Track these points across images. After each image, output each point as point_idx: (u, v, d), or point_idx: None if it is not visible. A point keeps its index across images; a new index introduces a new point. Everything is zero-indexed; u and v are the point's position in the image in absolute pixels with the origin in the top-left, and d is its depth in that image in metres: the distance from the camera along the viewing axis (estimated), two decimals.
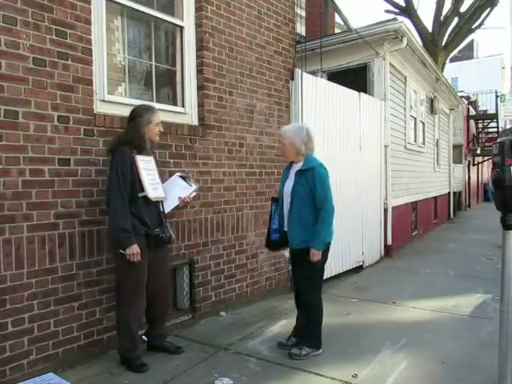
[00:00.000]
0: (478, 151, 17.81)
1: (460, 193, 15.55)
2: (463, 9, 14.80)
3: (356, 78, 6.98)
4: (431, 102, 10.59)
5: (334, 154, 5.36)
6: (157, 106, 3.29)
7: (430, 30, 14.74)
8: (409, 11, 14.55)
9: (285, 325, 3.79)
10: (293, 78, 5.01)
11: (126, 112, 3.26)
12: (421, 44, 8.41)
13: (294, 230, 3.20)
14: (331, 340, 3.40)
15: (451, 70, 30.00)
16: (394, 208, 7.21)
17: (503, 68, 38.30)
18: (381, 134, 6.78)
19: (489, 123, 18.39)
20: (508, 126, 23.70)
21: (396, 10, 14.87)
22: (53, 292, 2.86)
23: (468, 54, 38.13)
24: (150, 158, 3.04)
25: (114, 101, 3.32)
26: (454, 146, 14.30)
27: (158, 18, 3.74)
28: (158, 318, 3.20)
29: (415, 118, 9.00)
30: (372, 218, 6.51)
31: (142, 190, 2.88)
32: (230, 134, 4.25)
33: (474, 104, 19.27)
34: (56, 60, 2.87)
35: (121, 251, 2.81)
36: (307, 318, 3.26)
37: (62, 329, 2.92)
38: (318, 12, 8.71)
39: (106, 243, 3.15)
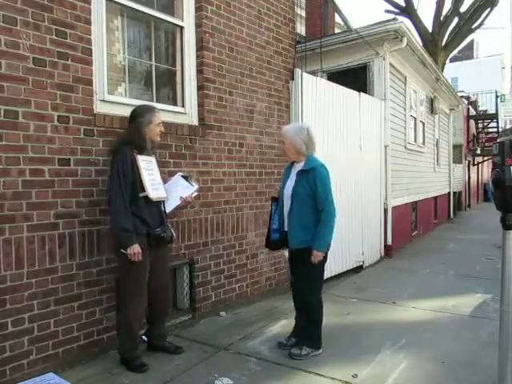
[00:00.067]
0: (478, 151, 17.81)
1: (460, 193, 15.55)
2: (463, 9, 14.82)
3: (356, 78, 6.99)
4: (431, 102, 10.59)
5: (333, 153, 5.36)
6: (157, 106, 3.29)
7: (430, 29, 14.74)
8: (409, 11, 14.55)
9: (285, 325, 3.79)
10: (293, 78, 5.01)
11: (126, 112, 3.27)
12: (421, 44, 8.41)
13: (294, 230, 3.20)
14: (331, 340, 3.40)
15: (451, 70, 30.00)
16: (393, 208, 7.21)
17: (503, 68, 38.30)
18: (381, 134, 6.78)
19: (489, 123, 18.39)
20: (508, 126, 23.71)
21: (396, 10, 14.87)
22: (53, 292, 2.86)
23: (468, 53, 38.14)
24: (151, 158, 3.04)
25: (114, 101, 3.32)
26: (454, 146, 14.30)
27: (158, 17, 3.74)
28: (158, 317, 3.20)
29: (415, 118, 9.00)
30: (372, 218, 6.51)
31: (143, 190, 2.89)
32: (229, 134, 4.25)
33: (474, 104, 19.27)
34: (56, 60, 2.87)
35: (122, 251, 2.81)
36: (307, 318, 3.25)
37: (62, 329, 2.92)
38: (318, 12, 8.71)
39: (105, 243, 3.15)
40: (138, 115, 2.97)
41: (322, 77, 6.39)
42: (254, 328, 3.76)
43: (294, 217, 3.19)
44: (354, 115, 5.96)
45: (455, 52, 18.85)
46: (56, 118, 2.88)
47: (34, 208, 2.76)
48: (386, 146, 6.91)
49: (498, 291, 2.60)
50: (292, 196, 3.20)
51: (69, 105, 2.94)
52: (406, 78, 8.19)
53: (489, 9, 14.80)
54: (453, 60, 31.33)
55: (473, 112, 18.06)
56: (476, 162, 19.37)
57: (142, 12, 3.60)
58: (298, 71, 5.01)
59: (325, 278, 3.98)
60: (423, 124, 9.81)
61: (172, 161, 3.66)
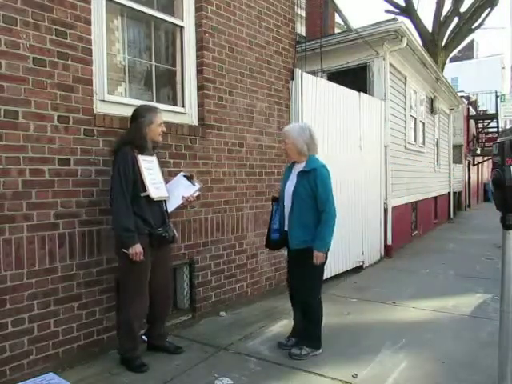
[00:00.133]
0: (478, 151, 17.81)
1: (460, 193, 15.55)
2: (463, 9, 14.82)
3: (356, 78, 6.98)
4: (431, 102, 10.59)
5: (334, 154, 5.36)
6: (157, 106, 3.29)
7: (430, 29, 14.74)
8: (409, 11, 14.55)
9: (285, 325, 3.79)
10: (293, 78, 5.01)
11: (126, 112, 3.27)
12: (421, 44, 8.41)
13: (295, 231, 3.20)
14: (331, 340, 3.40)
15: (451, 70, 30.00)
16: (394, 208, 7.21)
17: (503, 68, 38.30)
18: (381, 134, 6.78)
19: (489, 123, 18.39)
20: (508, 126, 23.70)
21: (396, 10, 14.87)
22: (53, 292, 2.86)
23: (468, 53, 38.13)
24: (153, 158, 3.05)
25: (114, 101, 3.32)
26: (454, 146, 14.30)
27: (158, 17, 3.74)
28: (159, 317, 3.20)
29: (415, 118, 9.00)
30: (372, 218, 6.51)
31: (145, 189, 2.89)
32: (230, 134, 4.25)
33: (474, 104, 19.27)
34: (56, 60, 2.87)
35: (124, 250, 2.82)
36: (307, 318, 3.25)
37: (62, 329, 2.92)
38: (318, 12, 8.71)
39: (106, 243, 3.15)
40: (140, 115, 2.97)
41: (321, 77, 6.39)
42: (253, 328, 3.76)
43: (295, 217, 3.19)
44: (354, 115, 5.95)
45: (455, 52, 18.85)
46: (56, 118, 2.88)
47: (34, 208, 2.76)
48: (385, 146, 6.91)
49: (498, 291, 2.60)
50: (293, 196, 3.20)
51: (69, 105, 2.94)
52: (405, 78, 8.19)
53: (489, 9, 14.81)
54: (453, 60, 31.33)
55: (473, 112, 18.06)
56: (476, 162, 19.36)
57: (142, 12, 3.60)
58: (297, 71, 5.01)
59: (325, 277, 3.98)
60: (423, 124, 9.81)
61: (172, 161, 3.66)
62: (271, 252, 4.60)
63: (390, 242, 6.98)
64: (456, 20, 14.89)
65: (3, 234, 2.61)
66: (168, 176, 3.37)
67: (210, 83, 4.02)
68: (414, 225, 9.14)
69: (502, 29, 27.96)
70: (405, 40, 6.74)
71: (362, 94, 6.17)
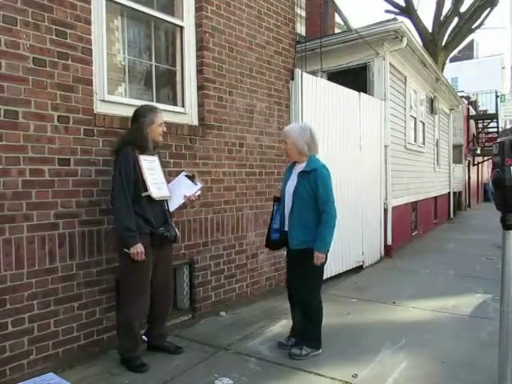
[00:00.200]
0: (478, 151, 17.80)
1: (460, 193, 15.55)
2: (463, 9, 14.82)
3: (356, 78, 6.98)
4: (431, 102, 10.59)
5: (334, 154, 5.36)
6: (157, 106, 3.29)
7: (430, 29, 14.74)
8: (409, 11, 14.55)
9: (285, 325, 3.79)
10: (293, 78, 5.01)
11: (126, 112, 3.28)
12: (421, 44, 8.41)
13: (295, 231, 3.19)
14: (331, 340, 3.40)
15: (451, 70, 30.00)
16: (394, 208, 7.21)
17: (503, 68, 38.30)
18: (381, 134, 6.78)
19: (489, 123, 18.39)
20: (508, 126, 23.70)
21: (396, 10, 14.87)
22: (53, 292, 2.86)
23: (468, 53, 38.13)
24: (154, 158, 3.05)
25: (114, 101, 3.32)
26: (454, 146, 14.30)
27: (158, 17, 3.74)
28: (159, 317, 3.20)
29: (415, 118, 9.00)
30: (372, 218, 6.51)
31: (146, 189, 2.89)
32: (230, 134, 4.25)
33: (474, 104, 19.27)
34: (56, 60, 2.87)
35: (125, 250, 2.82)
36: (307, 318, 3.25)
37: (62, 329, 2.92)
38: (318, 12, 8.71)
39: (106, 243, 3.15)
40: (141, 115, 2.98)
41: (321, 77, 6.39)
42: (253, 328, 3.76)
43: (295, 217, 3.19)
44: (354, 115, 5.95)
45: (455, 52, 18.85)
46: (56, 118, 2.88)
47: (34, 208, 2.76)
48: (385, 146, 6.91)
49: (498, 291, 2.60)
50: (293, 196, 3.20)
51: (69, 105, 2.94)
52: (406, 78, 8.19)
53: (489, 9, 14.80)
54: (453, 60, 31.33)
55: (473, 112, 18.06)
56: (476, 162, 19.36)
57: (142, 12, 3.60)
58: (297, 71, 5.01)
59: (325, 278, 3.99)
60: (423, 124, 9.81)
61: (172, 161, 3.66)
62: (271, 252, 4.60)
63: (390, 242, 6.98)
64: (456, 20, 14.89)
65: (3, 234, 2.61)
66: (168, 176, 3.37)
67: (210, 83, 4.02)
68: (413, 225, 9.14)
69: (502, 29, 28.01)
70: (405, 40, 6.75)
71: (361, 94, 6.17)
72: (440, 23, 14.65)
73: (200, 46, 3.97)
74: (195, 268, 3.92)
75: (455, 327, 3.85)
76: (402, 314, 4.22)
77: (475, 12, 14.63)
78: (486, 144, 18.10)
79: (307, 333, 3.23)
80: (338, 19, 9.49)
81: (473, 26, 15.07)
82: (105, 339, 3.18)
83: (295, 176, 3.25)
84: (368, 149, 6.31)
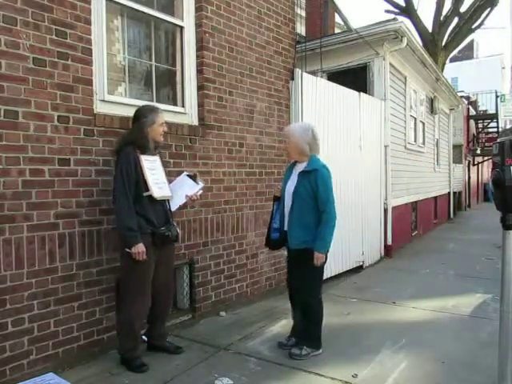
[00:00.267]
0: (478, 151, 17.81)
1: (460, 193, 15.55)
2: (463, 9, 14.82)
3: (356, 78, 6.98)
4: (431, 102, 10.59)
5: (334, 154, 5.36)
6: (157, 106, 3.29)
7: (430, 29, 14.74)
8: (409, 11, 14.55)
9: (285, 325, 3.79)
10: (293, 78, 5.01)
11: (126, 112, 3.28)
12: (421, 44, 8.41)
13: (295, 231, 3.19)
14: (331, 340, 3.40)
15: (451, 70, 30.00)
16: (394, 208, 7.21)
17: (503, 68, 38.29)
18: (381, 134, 6.78)
19: (489, 123, 18.39)
20: (508, 126, 23.70)
21: (396, 10, 14.87)
22: (53, 292, 2.86)
23: (468, 53, 38.13)
24: (156, 158, 3.06)
25: (114, 101, 3.32)
26: (454, 146, 14.30)
27: (158, 17, 3.74)
28: (159, 317, 3.20)
29: (415, 118, 9.00)
30: (372, 218, 6.51)
31: (147, 189, 2.90)
32: (229, 134, 4.25)
33: (474, 104, 19.27)
34: (56, 60, 2.87)
35: (126, 250, 2.83)
36: (307, 318, 3.25)
37: (62, 329, 2.92)
38: (318, 12, 8.71)
39: (107, 243, 3.15)
40: (142, 115, 2.98)
41: (321, 77, 6.39)
42: (254, 328, 3.76)
43: (295, 217, 3.19)
44: (353, 115, 5.95)
45: (455, 52, 18.85)
46: (56, 118, 2.88)
47: (34, 208, 2.76)
48: (385, 146, 6.91)
49: (498, 291, 2.60)
50: (293, 196, 3.20)
51: (69, 105, 2.94)
52: (406, 78, 8.19)
53: (489, 9, 14.81)
54: (453, 60, 31.33)
55: (473, 112, 18.06)
56: (476, 162, 19.36)
57: (142, 12, 3.60)
58: (298, 71, 5.01)
59: (325, 277, 3.98)
60: (423, 124, 9.81)
61: (172, 161, 3.66)
62: (271, 252, 4.60)
63: (390, 242, 6.98)
64: (456, 20, 14.89)
65: (3, 234, 2.61)
66: (168, 176, 3.37)
67: (210, 83, 4.02)
68: (413, 225, 9.14)
69: (502, 29, 28.00)
70: (405, 40, 6.74)
71: (362, 94, 6.17)
72: (440, 23, 14.65)
73: (200, 46, 3.97)
74: (195, 268, 3.92)
75: (455, 327, 3.85)
76: (401, 313, 4.22)
77: (475, 12, 14.63)
78: (486, 144, 18.10)
79: (307, 333, 3.23)
80: (338, 19, 9.49)
81: (473, 26, 15.07)
82: (105, 339, 3.17)
83: (295, 176, 3.25)
84: (368, 149, 6.31)
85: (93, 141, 3.09)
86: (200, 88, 3.98)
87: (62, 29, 2.90)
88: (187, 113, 3.94)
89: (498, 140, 2.32)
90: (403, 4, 14.72)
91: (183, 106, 3.94)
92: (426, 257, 7.15)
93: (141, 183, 2.88)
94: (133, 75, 3.74)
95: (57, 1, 2.87)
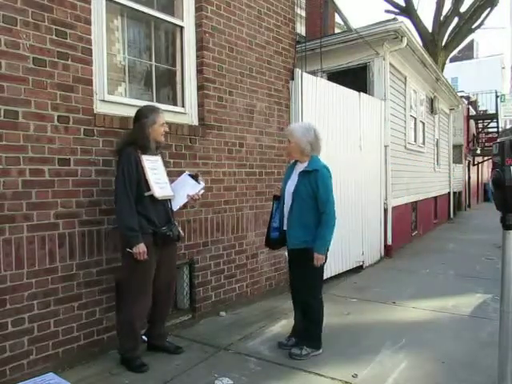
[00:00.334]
0: (478, 151, 17.81)
1: (460, 193, 15.55)
2: (463, 9, 14.82)
3: (356, 78, 6.98)
4: (431, 102, 10.59)
5: (334, 154, 5.36)
6: (157, 106, 3.29)
7: (430, 29, 14.74)
8: (409, 11, 14.55)
9: (285, 325, 3.79)
10: (293, 78, 5.01)
11: (126, 112, 3.28)
12: (421, 44, 8.41)
13: (294, 230, 3.19)
14: (331, 340, 3.40)
15: (451, 70, 30.00)
16: (394, 208, 7.21)
17: (503, 68, 38.30)
18: (381, 134, 6.78)
19: (489, 123, 18.39)
20: (508, 126, 23.70)
21: (396, 10, 14.87)
22: (53, 292, 2.86)
23: (468, 53, 38.13)
24: (157, 158, 3.06)
25: (114, 101, 3.32)
26: (454, 146, 14.30)
27: (158, 17, 3.74)
28: (160, 317, 3.20)
29: (415, 118, 9.00)
30: (372, 218, 6.51)
31: (149, 189, 2.90)
32: (230, 134, 4.25)
33: (474, 104, 19.27)
34: (56, 60, 2.87)
35: (128, 250, 2.83)
36: (308, 318, 3.25)
37: (62, 329, 2.92)
38: (318, 12, 8.71)
39: (107, 243, 3.15)
40: (143, 116, 2.99)
41: (322, 77, 6.39)
42: (254, 328, 3.76)
43: (294, 217, 3.19)
44: (353, 115, 5.95)
45: (455, 52, 18.85)
46: (56, 118, 2.88)
47: (34, 208, 2.76)
48: (386, 146, 6.91)
49: (498, 291, 2.60)
50: (293, 196, 3.20)
51: (69, 105, 2.94)
52: (406, 78, 8.19)
53: (489, 9, 14.81)
54: (453, 60, 31.33)
55: (473, 112, 18.06)
56: (476, 162, 19.36)
57: (142, 12, 3.60)
58: (298, 71, 5.01)
59: (325, 278, 3.98)
60: (423, 124, 9.81)
61: (172, 161, 3.66)
62: (271, 252, 4.60)
63: (390, 242, 6.98)
64: (456, 20, 14.89)
65: (3, 234, 2.61)
66: (168, 176, 3.37)
67: (210, 83, 4.02)
68: (414, 225, 9.14)
69: (502, 29, 28.00)
70: (405, 40, 6.74)
71: (361, 94, 6.17)
72: (440, 23, 14.65)
73: (200, 46, 3.97)
74: (195, 268, 3.92)
75: (455, 327, 3.85)
76: (401, 313, 4.22)
77: (475, 12, 14.63)
78: (486, 144, 18.10)
79: (307, 332, 3.23)
80: (338, 19, 9.49)
81: (473, 26, 15.07)
82: (105, 339, 3.17)
83: (296, 175, 3.25)
84: (368, 149, 6.31)
85: (93, 141, 3.09)
86: (200, 88, 3.98)
87: (62, 29, 2.90)
88: (187, 113, 3.94)
89: (498, 140, 2.32)
90: (403, 4, 14.73)
91: (183, 106, 3.94)
92: (426, 257, 7.15)
93: (142, 183, 2.89)
94: (133, 75, 3.74)
95: (57, 1, 2.87)
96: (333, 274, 5.37)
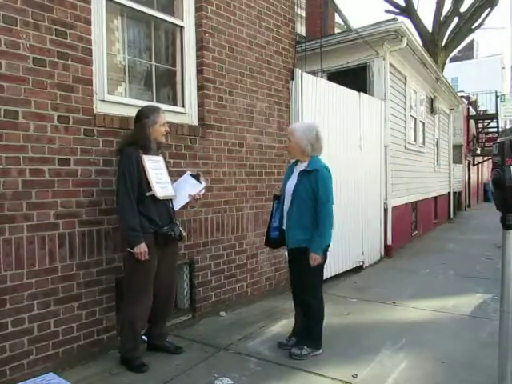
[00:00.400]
0: (478, 151, 17.81)
1: (460, 193, 15.55)
2: (463, 9, 14.82)
3: (356, 78, 6.98)
4: (431, 102, 10.59)
5: (334, 153, 5.36)
6: (158, 106, 3.29)
7: (430, 29, 14.74)
8: (409, 11, 14.55)
9: (285, 325, 3.79)
10: (293, 78, 5.01)
11: (126, 112, 3.28)
12: (421, 44, 8.41)
13: (293, 230, 3.19)
14: (331, 340, 3.40)
15: (451, 70, 30.00)
16: (394, 208, 7.21)
17: (503, 68, 38.30)
18: (381, 134, 6.78)
19: (489, 123, 18.39)
20: (508, 126, 23.70)
21: (396, 10, 14.87)
22: (53, 292, 2.86)
23: (468, 53, 38.14)
24: (159, 158, 3.07)
25: (114, 101, 3.32)
26: (454, 146, 14.30)
27: (158, 17, 3.74)
28: (161, 316, 3.20)
29: (415, 118, 9.00)
30: (372, 218, 6.51)
31: (150, 189, 2.91)
32: (230, 134, 4.25)
33: (474, 104, 19.27)
34: (56, 60, 2.87)
35: (129, 249, 2.83)
36: (308, 317, 3.25)
37: (62, 329, 2.92)
38: (318, 12, 8.71)
39: (106, 243, 3.15)
40: (143, 116, 2.99)
41: (322, 77, 6.39)
42: (254, 328, 3.76)
43: (294, 216, 3.19)
44: (353, 115, 5.95)
45: (455, 52, 18.85)
46: (56, 118, 2.88)
47: (34, 208, 2.76)
48: (386, 146, 6.91)
49: (498, 291, 2.60)
50: (292, 195, 3.20)
51: (69, 105, 2.94)
52: (406, 78, 8.19)
53: (489, 9, 14.81)
54: (453, 60, 31.33)
55: (473, 112, 18.06)
56: (476, 162, 19.37)
57: (142, 12, 3.60)
58: (298, 71, 5.01)
59: (325, 278, 3.98)
60: (423, 124, 9.81)
61: (172, 161, 3.66)
62: (271, 252, 4.60)
63: (390, 242, 6.98)
64: (456, 20, 14.89)
65: (3, 234, 2.61)
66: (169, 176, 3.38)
67: (210, 83, 4.02)
68: (414, 225, 9.14)
69: (502, 29, 27.98)
70: (405, 40, 6.74)
71: (361, 94, 6.17)
72: (440, 23, 14.65)
73: (200, 46, 3.97)
74: (195, 268, 3.92)
75: (455, 327, 3.85)
76: (402, 313, 4.22)
77: (475, 12, 14.63)
78: (486, 144, 18.10)
79: (308, 332, 3.23)
80: (338, 19, 9.49)
81: (473, 26, 15.07)
82: (105, 339, 3.17)
83: (296, 175, 3.25)
84: (368, 149, 6.31)
85: (93, 141, 3.09)
86: (200, 88, 3.98)
87: (62, 29, 2.90)
88: (187, 113, 3.94)
89: (498, 140, 2.31)
90: (403, 4, 14.73)
91: (183, 106, 3.94)
92: (425, 257, 7.15)
93: (143, 183, 2.89)
94: (133, 75, 3.74)
95: (57, 1, 2.87)
96: (333, 274, 5.37)
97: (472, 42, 36.52)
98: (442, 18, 14.73)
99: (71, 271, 2.96)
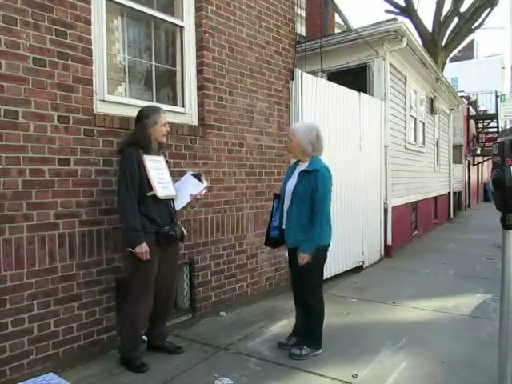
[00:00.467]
0: (478, 151, 17.81)
1: (460, 193, 15.55)
2: (463, 9, 14.82)
3: (356, 78, 6.98)
4: (431, 102, 10.59)
5: (334, 153, 5.36)
6: (159, 106, 3.29)
7: (430, 29, 14.74)
8: (409, 11, 14.56)
9: (285, 325, 3.79)
10: (293, 78, 5.01)
11: (126, 112, 3.28)
12: (421, 44, 8.41)
13: (293, 230, 3.19)
14: (331, 340, 3.40)
15: (451, 70, 30.00)
16: (394, 208, 7.21)
17: (503, 68, 38.30)
18: (381, 134, 6.78)
19: (489, 123, 18.39)
20: (508, 126, 23.70)
21: (396, 10, 14.87)
22: (53, 292, 2.86)
23: (468, 53, 38.14)
24: (160, 158, 3.07)
25: (114, 101, 3.32)
26: (454, 146, 14.30)
27: (158, 17, 3.74)
28: (161, 316, 3.20)
29: (415, 118, 9.00)
30: (372, 218, 6.51)
31: (151, 189, 2.91)
32: (230, 134, 4.25)
33: (474, 104, 19.27)
34: (56, 60, 2.87)
35: (130, 249, 2.83)
36: (308, 317, 3.25)
37: (62, 329, 2.92)
38: (318, 12, 8.71)
39: (106, 243, 3.15)
40: (144, 116, 2.99)
41: (321, 77, 6.39)
42: (254, 328, 3.76)
43: (293, 216, 3.18)
44: (353, 115, 5.95)
45: (455, 52, 18.85)
46: (56, 118, 2.88)
47: (34, 208, 2.76)
48: (386, 146, 6.91)
49: (498, 291, 2.60)
50: (292, 195, 3.20)
51: (69, 105, 2.94)
52: (405, 78, 8.19)
53: (489, 9, 14.81)
54: (453, 60, 31.33)
55: (473, 112, 18.06)
56: (476, 162, 19.37)
57: (142, 12, 3.60)
58: (298, 71, 5.01)
59: (325, 278, 3.98)
60: (423, 124, 9.81)
61: (172, 161, 3.65)
62: (271, 252, 4.60)
63: (390, 241, 6.98)
64: (456, 20, 14.90)
65: (3, 234, 2.61)
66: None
67: (210, 83, 4.02)
68: (413, 225, 9.14)
69: (502, 29, 27.97)
70: (405, 40, 6.74)
71: (361, 93, 6.17)
72: (440, 23, 14.65)
73: (200, 46, 3.97)
74: (195, 268, 3.92)
75: (455, 327, 3.85)
76: (402, 313, 4.22)
77: (475, 12, 14.63)
78: (486, 144, 18.10)
79: (308, 332, 3.23)
80: (338, 19, 9.49)
81: (473, 26, 15.07)
82: (105, 339, 3.17)
83: (296, 175, 3.25)
84: (368, 149, 6.31)
85: (93, 141, 3.09)
86: (200, 88, 3.98)
87: (62, 29, 2.90)
88: (187, 113, 3.94)
89: (498, 140, 2.32)
90: (403, 4, 14.73)
91: (183, 106, 3.94)
92: (425, 257, 7.15)
93: (144, 183, 2.89)
94: (133, 75, 3.74)
95: (57, 1, 2.87)
96: (333, 274, 5.37)
97: (472, 42, 36.53)
98: (441, 18, 14.73)
99: (71, 271, 2.96)
